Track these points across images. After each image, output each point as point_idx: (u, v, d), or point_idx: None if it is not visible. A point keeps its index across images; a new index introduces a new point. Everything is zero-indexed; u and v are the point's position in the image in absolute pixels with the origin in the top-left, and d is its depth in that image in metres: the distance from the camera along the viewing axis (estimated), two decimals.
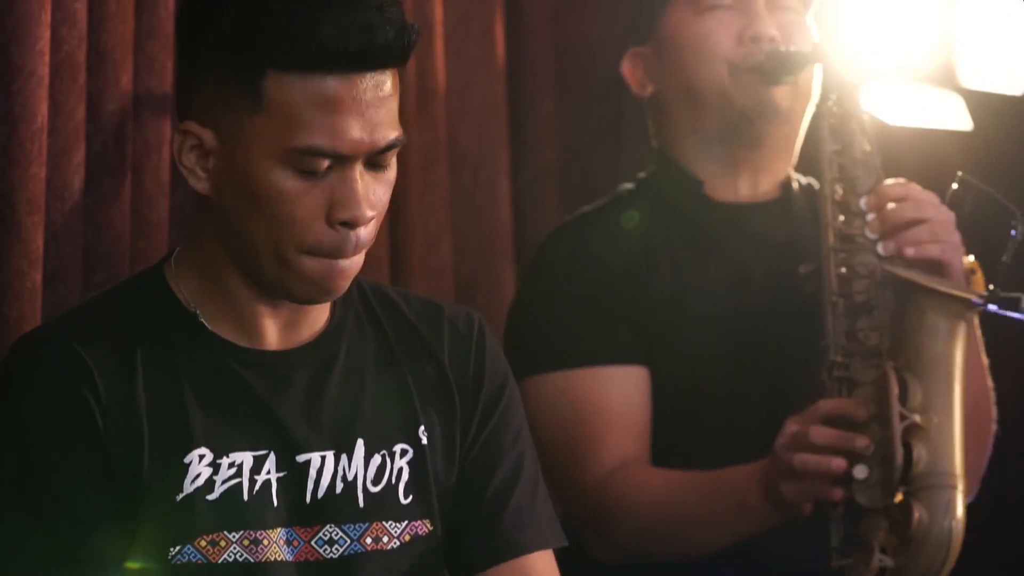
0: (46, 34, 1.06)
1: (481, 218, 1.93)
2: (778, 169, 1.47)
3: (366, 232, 0.78)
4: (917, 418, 1.14)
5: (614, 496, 1.29)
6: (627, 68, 1.50)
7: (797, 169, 1.49)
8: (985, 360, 1.34)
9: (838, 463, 1.12)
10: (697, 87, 1.41)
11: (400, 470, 0.84)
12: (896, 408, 1.12)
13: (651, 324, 1.38)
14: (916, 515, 1.11)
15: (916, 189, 1.29)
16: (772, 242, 1.42)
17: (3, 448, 0.75)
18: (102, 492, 0.74)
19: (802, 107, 1.40)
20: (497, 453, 0.91)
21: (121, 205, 1.20)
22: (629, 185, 1.54)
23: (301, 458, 0.80)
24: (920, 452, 1.13)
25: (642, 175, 1.54)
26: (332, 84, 0.73)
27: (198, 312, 0.81)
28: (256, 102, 0.73)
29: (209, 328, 0.81)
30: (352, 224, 0.76)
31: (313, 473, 0.80)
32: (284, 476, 0.79)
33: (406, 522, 0.84)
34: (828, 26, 1.36)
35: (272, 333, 0.83)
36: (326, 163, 0.74)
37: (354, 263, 0.79)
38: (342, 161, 0.74)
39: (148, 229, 1.23)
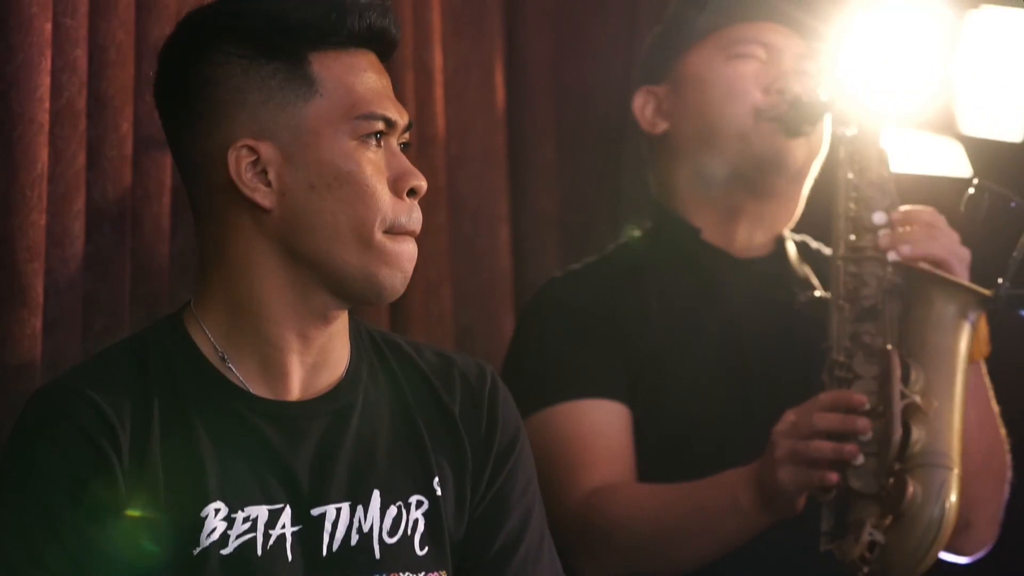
0: (46, 81, 1.07)
1: (481, 265, 1.94)
2: (776, 226, 1.51)
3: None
4: (918, 399, 1.18)
5: (599, 510, 1.29)
6: (638, 105, 1.54)
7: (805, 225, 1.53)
8: (996, 407, 1.35)
9: (850, 448, 1.13)
10: (718, 127, 1.45)
11: (416, 521, 0.85)
12: (898, 386, 1.16)
13: (640, 368, 1.41)
14: (910, 490, 1.13)
15: (940, 219, 1.31)
16: (765, 294, 1.46)
17: (21, 500, 0.75)
18: (118, 546, 0.74)
19: (809, 168, 1.43)
20: (505, 507, 0.91)
21: (122, 252, 1.20)
22: (635, 232, 1.56)
23: (316, 511, 0.80)
24: (919, 432, 1.17)
25: (647, 227, 1.57)
26: (364, 59, 0.82)
27: (226, 357, 0.82)
28: (309, 88, 0.79)
29: (231, 377, 0.82)
30: (416, 193, 0.83)
31: (328, 526, 0.81)
32: (299, 530, 0.80)
33: (422, 574, 0.84)
34: (835, 77, 1.40)
35: (295, 378, 0.84)
36: (381, 128, 0.81)
37: (416, 250, 0.85)
38: (389, 130, 0.82)
39: (149, 276, 1.23)
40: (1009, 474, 1.37)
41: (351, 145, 0.79)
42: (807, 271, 1.50)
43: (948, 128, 1.71)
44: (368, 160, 0.79)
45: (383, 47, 0.85)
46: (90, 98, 1.20)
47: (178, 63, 0.83)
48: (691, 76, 1.49)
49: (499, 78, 1.94)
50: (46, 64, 1.11)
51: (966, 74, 1.69)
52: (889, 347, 1.21)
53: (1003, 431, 1.36)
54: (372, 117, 0.80)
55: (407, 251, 0.82)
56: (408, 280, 0.84)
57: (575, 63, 2.05)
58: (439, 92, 1.81)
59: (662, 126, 1.51)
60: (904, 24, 1.43)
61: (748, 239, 1.49)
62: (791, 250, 1.52)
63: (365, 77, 0.81)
